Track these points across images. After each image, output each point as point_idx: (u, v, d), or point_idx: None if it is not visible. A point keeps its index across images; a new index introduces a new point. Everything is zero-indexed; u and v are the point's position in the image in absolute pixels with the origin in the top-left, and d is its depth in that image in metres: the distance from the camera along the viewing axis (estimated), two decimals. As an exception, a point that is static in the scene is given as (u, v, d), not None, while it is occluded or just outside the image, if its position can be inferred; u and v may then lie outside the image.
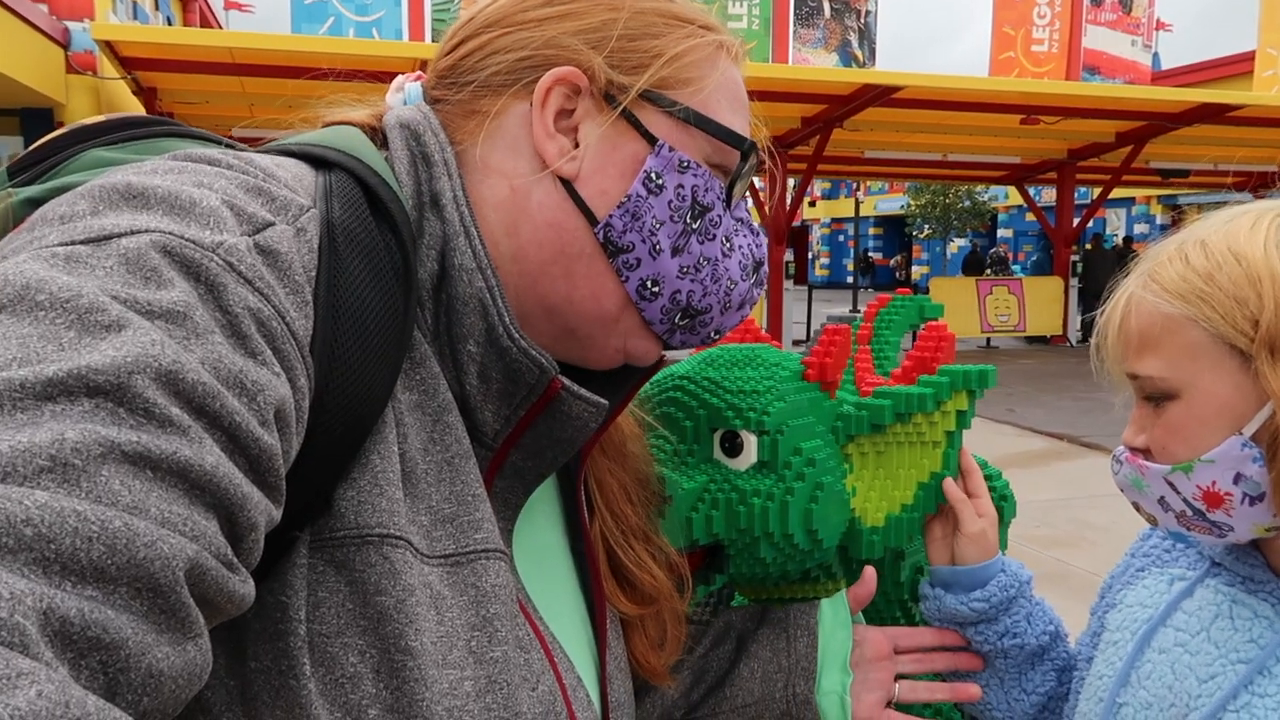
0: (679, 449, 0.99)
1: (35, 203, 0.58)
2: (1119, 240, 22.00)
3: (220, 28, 19.20)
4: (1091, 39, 15.49)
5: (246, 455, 0.47)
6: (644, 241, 0.69)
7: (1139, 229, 27.22)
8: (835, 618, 1.00)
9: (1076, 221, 16.62)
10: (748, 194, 0.79)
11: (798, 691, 0.96)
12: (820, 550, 0.99)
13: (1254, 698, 0.83)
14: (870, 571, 1.03)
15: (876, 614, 1.14)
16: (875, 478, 1.04)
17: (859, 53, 14.50)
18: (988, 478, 1.09)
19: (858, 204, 29.89)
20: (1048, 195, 20.17)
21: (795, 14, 13.91)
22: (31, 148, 0.66)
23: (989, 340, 15.82)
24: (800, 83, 11.82)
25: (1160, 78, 21.27)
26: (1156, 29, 18.05)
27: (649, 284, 0.70)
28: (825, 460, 0.99)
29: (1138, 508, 0.90)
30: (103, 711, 0.34)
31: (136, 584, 0.39)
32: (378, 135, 0.71)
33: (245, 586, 0.46)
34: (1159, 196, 26.33)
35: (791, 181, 15.53)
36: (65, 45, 9.93)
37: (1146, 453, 0.86)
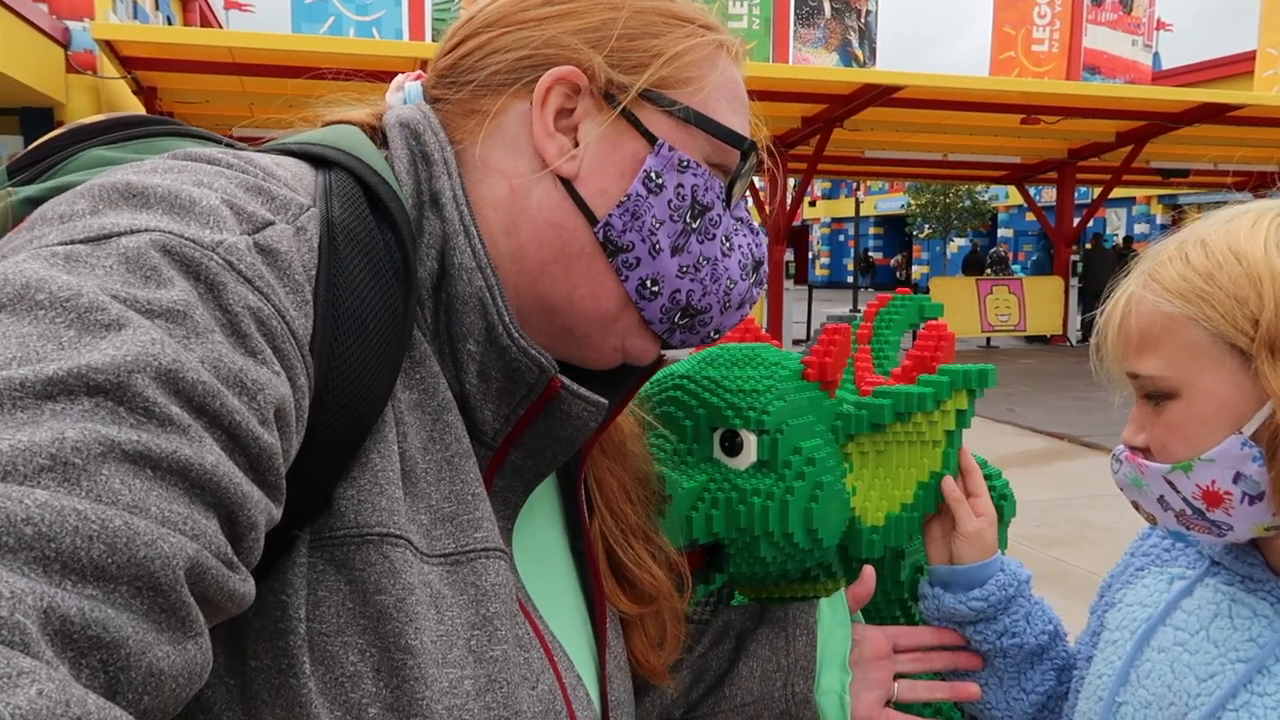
0: (679, 448, 0.99)
1: (35, 202, 0.58)
2: (1119, 240, 22.00)
3: (220, 27, 19.21)
4: (1092, 39, 15.49)
5: (246, 454, 0.47)
6: (644, 241, 0.69)
7: (1139, 229, 27.22)
8: (834, 617, 1.00)
9: (1077, 221, 16.62)
10: (748, 193, 0.79)
11: (797, 690, 0.96)
12: (820, 549, 0.99)
13: (1253, 696, 0.83)
14: (869, 570, 1.03)
15: (876, 613, 1.14)
16: (875, 477, 1.04)
17: (859, 52, 14.49)
18: (987, 477, 1.09)
19: (858, 204, 29.90)
20: (1048, 195, 20.17)
21: (795, 13, 13.91)
22: (31, 147, 0.66)
23: (989, 340, 15.82)
24: (800, 82, 11.82)
25: (1161, 77, 21.27)
26: (1157, 29, 18.05)
27: (648, 283, 0.70)
28: (825, 459, 0.99)
29: (1137, 507, 0.90)
30: (103, 710, 0.34)
31: (137, 583, 0.39)
32: (377, 134, 0.71)
33: (245, 585, 0.46)
34: (1159, 196, 26.34)
35: (792, 181, 15.54)
36: (65, 45, 9.93)
37: (1146, 452, 0.87)
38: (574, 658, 0.73)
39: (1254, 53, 17.03)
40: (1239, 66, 20.66)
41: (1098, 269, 15.54)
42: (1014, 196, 25.76)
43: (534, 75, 0.68)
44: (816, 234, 45.22)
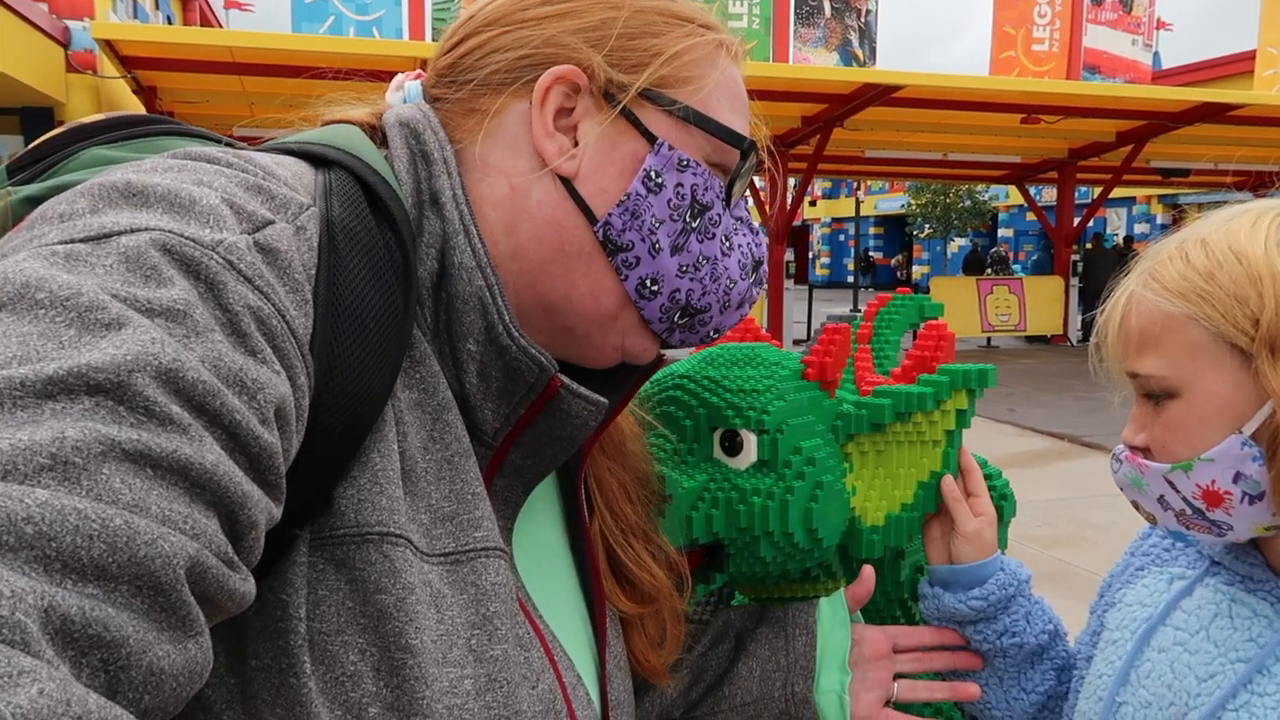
0: (679, 448, 0.99)
1: (34, 201, 0.58)
2: (1119, 239, 22.00)
3: (220, 27, 19.21)
4: (1092, 38, 15.49)
5: (247, 453, 0.47)
6: (643, 240, 0.69)
7: (1139, 228, 27.22)
8: (834, 616, 1.00)
9: (1077, 221, 16.62)
10: (747, 193, 0.79)
11: (796, 690, 0.96)
12: (820, 549, 0.99)
13: (1253, 696, 0.83)
14: (869, 570, 1.03)
15: (876, 613, 1.14)
16: (875, 477, 1.04)
17: (859, 52, 14.49)
18: (987, 477, 1.09)
19: (858, 203, 29.89)
20: (1048, 195, 20.17)
21: (796, 13, 13.91)
22: (30, 146, 0.66)
23: (989, 340, 15.82)
24: (801, 82, 11.81)
25: (1161, 77, 21.27)
26: (1157, 28, 18.05)
27: (648, 282, 0.70)
28: (825, 459, 0.99)
29: (1137, 506, 0.90)
30: (104, 709, 0.34)
31: (137, 582, 0.39)
32: (377, 134, 0.71)
33: (246, 584, 0.46)
34: (1159, 196, 26.33)
35: (792, 181, 15.54)
36: (65, 44, 9.93)
37: (1146, 451, 0.86)
38: (574, 657, 0.73)
39: (1254, 52, 17.03)
40: (1239, 66, 20.66)
41: (1098, 269, 15.55)
42: (1014, 196, 25.77)
43: (534, 74, 0.68)
44: (817, 234, 45.22)
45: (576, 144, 0.68)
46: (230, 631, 0.55)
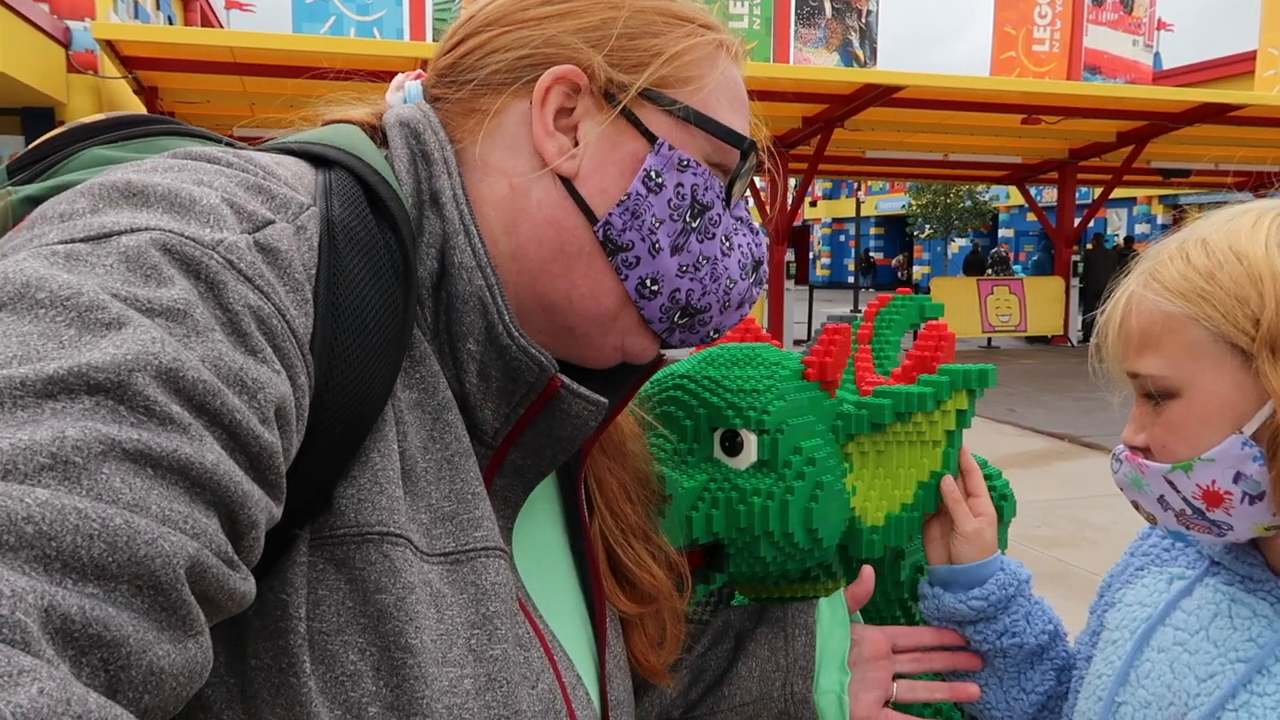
0: (679, 448, 0.99)
1: (35, 201, 0.58)
2: (1120, 240, 22.00)
3: (221, 27, 19.20)
4: (1093, 39, 15.48)
5: (247, 453, 0.47)
6: (643, 240, 0.69)
7: (1140, 229, 27.21)
8: (833, 617, 1.00)
9: (1077, 221, 16.62)
10: (748, 193, 0.79)
11: (796, 690, 0.96)
12: (820, 549, 0.99)
13: (1253, 696, 0.83)
14: (868, 570, 1.03)
15: (876, 613, 1.14)
16: (875, 477, 1.04)
17: (860, 52, 14.49)
18: (988, 477, 1.09)
19: (859, 204, 29.92)
20: (1049, 195, 20.16)
21: (796, 13, 13.91)
22: (31, 146, 0.66)
23: (990, 340, 15.82)
24: (801, 82, 11.81)
25: (1161, 77, 21.26)
26: (1158, 29, 18.03)
27: (648, 282, 0.70)
28: (825, 459, 0.99)
29: (1137, 506, 0.90)
30: (104, 709, 0.34)
31: (137, 581, 0.39)
32: (377, 134, 0.71)
33: (246, 584, 0.46)
34: (1160, 196, 26.32)
35: (792, 181, 15.53)
36: (66, 44, 9.93)
37: (1146, 451, 0.86)
38: (574, 657, 0.73)
39: (1254, 53, 17.02)
40: (1239, 66, 20.64)
41: (1098, 269, 15.54)
42: (1015, 196, 25.75)
43: (534, 74, 0.68)
44: (817, 234, 45.21)
45: (577, 144, 0.68)
46: (230, 631, 0.55)
